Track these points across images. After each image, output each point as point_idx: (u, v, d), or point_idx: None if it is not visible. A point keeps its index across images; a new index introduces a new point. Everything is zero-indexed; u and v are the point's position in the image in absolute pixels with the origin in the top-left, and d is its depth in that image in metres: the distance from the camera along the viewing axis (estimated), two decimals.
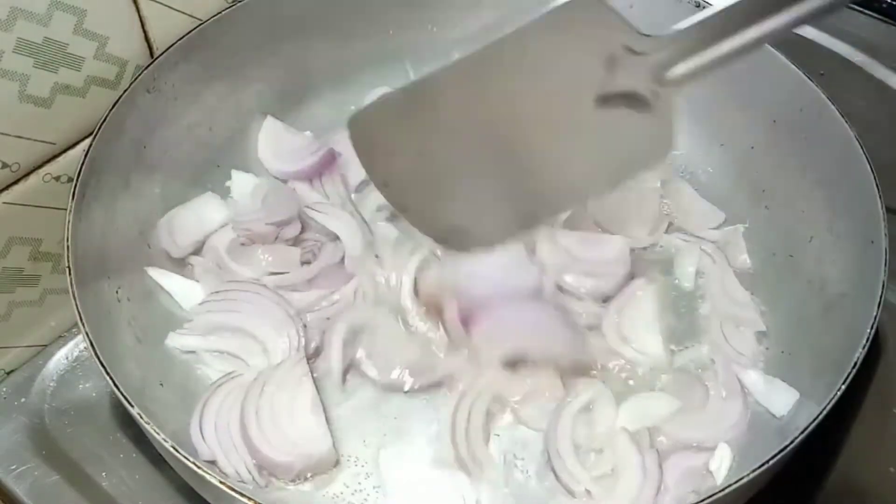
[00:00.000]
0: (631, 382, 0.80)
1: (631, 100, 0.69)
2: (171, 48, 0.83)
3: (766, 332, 0.83)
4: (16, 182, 0.79)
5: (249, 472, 0.73)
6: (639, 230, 0.90)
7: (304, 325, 0.81)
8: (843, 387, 0.65)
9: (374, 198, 0.91)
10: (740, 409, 0.77)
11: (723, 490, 0.61)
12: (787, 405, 0.76)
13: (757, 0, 0.64)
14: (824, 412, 0.64)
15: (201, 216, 0.87)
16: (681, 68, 0.67)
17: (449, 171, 0.75)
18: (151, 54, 0.85)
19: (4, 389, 0.85)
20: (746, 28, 0.66)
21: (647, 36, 0.68)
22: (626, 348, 0.82)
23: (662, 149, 0.74)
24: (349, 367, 0.81)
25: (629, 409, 0.77)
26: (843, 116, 0.80)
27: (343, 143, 0.90)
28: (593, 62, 0.68)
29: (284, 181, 0.94)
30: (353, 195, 0.93)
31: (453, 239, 0.78)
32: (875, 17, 1.10)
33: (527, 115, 0.71)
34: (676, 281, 0.88)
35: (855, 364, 0.66)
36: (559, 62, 0.70)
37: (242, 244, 0.86)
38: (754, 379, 0.79)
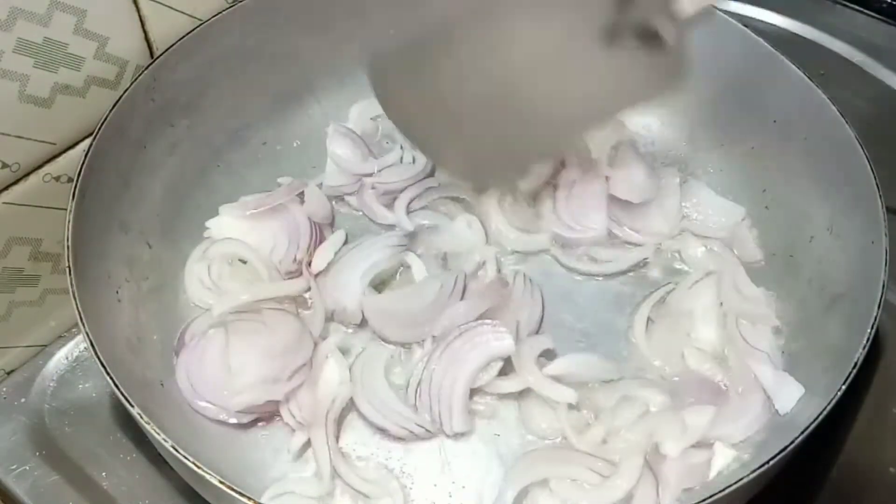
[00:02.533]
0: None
1: (640, 34, 0.68)
2: (171, 48, 0.83)
3: (779, 327, 0.83)
4: (16, 182, 0.79)
5: None
6: (661, 226, 0.91)
7: None
8: (844, 387, 0.65)
9: None
10: (761, 403, 0.77)
11: (723, 490, 0.61)
12: (793, 402, 0.76)
13: None
14: (824, 412, 0.64)
15: None
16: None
17: (459, 111, 0.77)
18: (151, 54, 0.85)
19: (4, 389, 0.85)
20: None
21: None
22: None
23: (672, 80, 0.74)
24: None
25: (666, 430, 0.76)
26: (842, 116, 0.80)
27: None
28: None
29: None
30: None
31: (470, 173, 0.83)
32: (875, 17, 1.10)
33: (532, 53, 0.73)
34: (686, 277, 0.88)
35: (855, 364, 0.66)
36: None
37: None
38: (766, 372, 0.78)
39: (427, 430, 0.76)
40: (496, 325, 0.79)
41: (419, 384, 0.77)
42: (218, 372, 0.78)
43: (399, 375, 0.81)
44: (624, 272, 0.89)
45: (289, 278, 0.86)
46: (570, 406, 0.77)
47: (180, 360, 0.79)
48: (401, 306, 0.83)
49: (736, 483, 0.61)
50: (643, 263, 0.89)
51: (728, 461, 0.74)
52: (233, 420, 0.77)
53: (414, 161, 0.95)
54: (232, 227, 0.88)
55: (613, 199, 0.91)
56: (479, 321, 0.79)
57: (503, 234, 0.90)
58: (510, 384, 0.79)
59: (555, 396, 0.77)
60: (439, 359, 0.78)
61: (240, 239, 0.87)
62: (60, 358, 0.88)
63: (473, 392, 0.78)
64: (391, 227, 0.91)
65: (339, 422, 0.78)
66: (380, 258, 0.86)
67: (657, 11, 0.66)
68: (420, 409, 0.77)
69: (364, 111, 0.99)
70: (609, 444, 0.76)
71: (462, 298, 0.82)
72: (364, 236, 0.88)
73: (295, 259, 0.86)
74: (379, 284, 0.86)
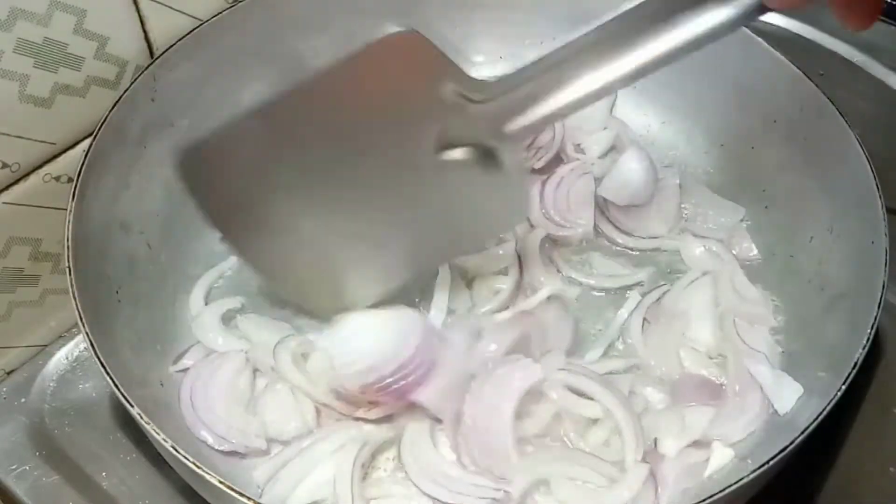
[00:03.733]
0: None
1: (476, 153, 0.66)
2: (171, 48, 0.83)
3: (778, 327, 0.83)
4: (16, 182, 0.79)
5: None
6: (659, 227, 0.91)
7: None
8: (844, 387, 0.65)
9: None
10: (759, 402, 0.77)
11: (722, 490, 0.61)
12: (791, 402, 0.76)
13: (604, 38, 0.60)
14: (824, 413, 0.64)
15: None
16: (520, 121, 0.64)
17: (294, 220, 0.73)
18: (151, 54, 0.85)
19: (4, 389, 0.85)
20: (593, 69, 0.61)
21: (479, 81, 0.65)
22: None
23: (515, 213, 0.73)
24: None
25: (666, 428, 0.76)
26: (843, 116, 0.80)
27: None
28: (425, 107, 0.65)
29: None
30: None
31: (305, 294, 0.78)
32: None
33: (365, 165, 0.69)
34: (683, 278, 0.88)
35: (855, 364, 0.66)
36: (386, 103, 0.66)
37: None
38: (763, 372, 0.78)
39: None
40: (517, 358, 0.76)
41: (459, 436, 0.73)
42: (222, 399, 0.76)
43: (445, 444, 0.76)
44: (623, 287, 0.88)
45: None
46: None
47: (188, 376, 0.78)
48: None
49: (736, 483, 0.61)
50: (640, 283, 0.88)
51: (726, 461, 0.74)
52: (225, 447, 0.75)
53: None
54: None
55: (611, 201, 0.91)
56: (503, 360, 0.76)
57: (535, 277, 0.86)
58: (541, 408, 0.77)
59: (587, 413, 0.76)
60: (473, 411, 0.73)
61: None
62: (60, 358, 0.88)
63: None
64: None
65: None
66: None
67: (482, 129, 0.65)
68: (469, 466, 0.73)
69: None
70: (612, 447, 0.75)
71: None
72: None
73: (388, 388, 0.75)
74: None
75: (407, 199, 0.71)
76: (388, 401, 0.75)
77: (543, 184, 0.92)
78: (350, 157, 0.69)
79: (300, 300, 0.81)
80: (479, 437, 0.73)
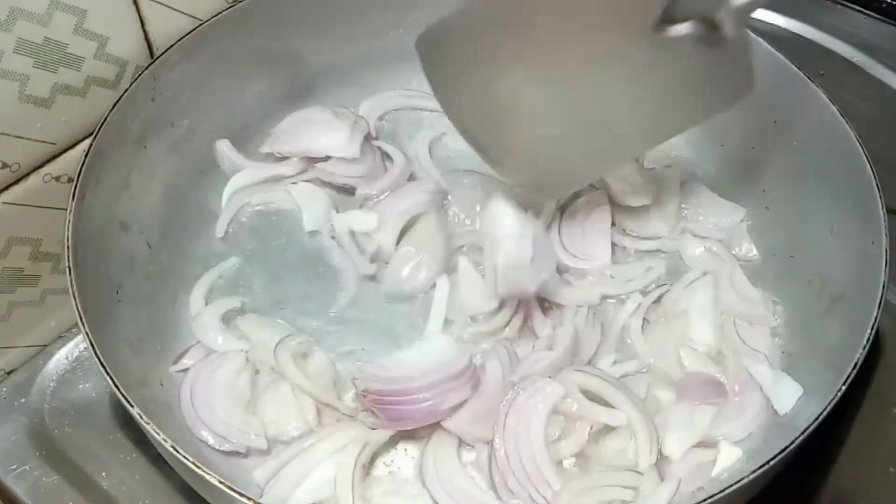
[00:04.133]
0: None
1: (698, 28, 0.67)
2: (171, 48, 0.83)
3: (777, 327, 0.83)
4: (16, 182, 0.79)
5: None
6: (659, 227, 0.91)
7: None
8: (844, 387, 0.65)
9: None
10: (759, 402, 0.77)
11: (722, 491, 0.61)
12: (791, 402, 0.76)
13: None
14: (825, 413, 0.64)
15: None
16: None
17: (511, 99, 0.75)
18: (151, 54, 0.85)
19: (4, 389, 0.85)
20: None
21: None
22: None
23: (739, 88, 0.73)
24: None
25: (673, 431, 0.76)
26: (843, 116, 0.80)
27: None
28: None
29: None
30: None
31: (521, 174, 0.80)
32: (875, 17, 1.10)
33: (582, 43, 0.71)
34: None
35: (855, 364, 0.66)
36: None
37: None
38: (763, 372, 0.78)
39: None
40: (534, 381, 0.75)
41: (495, 473, 0.73)
42: (222, 399, 0.76)
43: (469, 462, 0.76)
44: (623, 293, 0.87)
45: None
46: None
47: (188, 376, 0.78)
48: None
49: (736, 483, 0.61)
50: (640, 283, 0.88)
51: (734, 460, 0.74)
52: (225, 447, 0.75)
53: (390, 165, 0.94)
54: None
55: (611, 203, 0.91)
56: (514, 388, 0.75)
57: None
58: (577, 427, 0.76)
59: (612, 422, 0.75)
60: (503, 442, 0.73)
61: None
62: (60, 358, 0.88)
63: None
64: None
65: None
66: (414, 202, 0.89)
67: (716, 4, 0.66)
68: (506, 498, 0.72)
69: (374, 108, 0.99)
70: (627, 453, 0.75)
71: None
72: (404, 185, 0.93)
73: None
74: (407, 228, 0.89)
75: (627, 76, 0.72)
76: (380, 416, 0.75)
77: (561, 214, 0.90)
78: (574, 33, 0.71)
79: (510, 172, 0.82)
80: (514, 466, 0.72)
